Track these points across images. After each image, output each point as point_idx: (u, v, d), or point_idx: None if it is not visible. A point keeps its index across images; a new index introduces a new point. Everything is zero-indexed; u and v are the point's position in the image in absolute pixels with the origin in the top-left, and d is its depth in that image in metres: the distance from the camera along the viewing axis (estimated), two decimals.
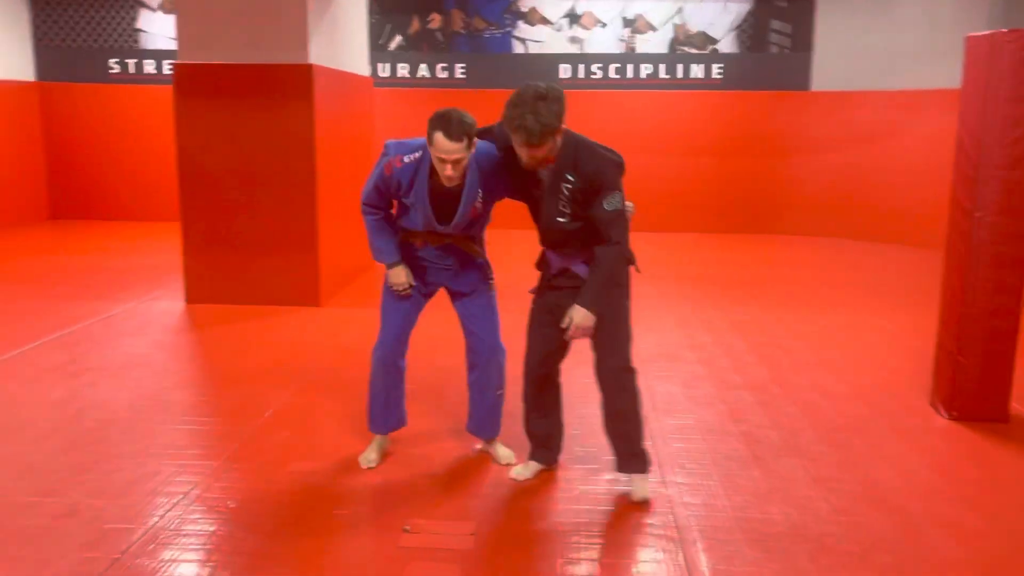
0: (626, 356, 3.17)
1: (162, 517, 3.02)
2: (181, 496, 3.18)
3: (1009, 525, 3.10)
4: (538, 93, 2.78)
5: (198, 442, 3.74)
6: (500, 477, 3.40)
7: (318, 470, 3.44)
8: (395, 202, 3.30)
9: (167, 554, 2.78)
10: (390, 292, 3.37)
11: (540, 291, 3.26)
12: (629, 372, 3.18)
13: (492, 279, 3.43)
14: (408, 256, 3.33)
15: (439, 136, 2.91)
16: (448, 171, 2.97)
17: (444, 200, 3.13)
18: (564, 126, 2.90)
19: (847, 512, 3.14)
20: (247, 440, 3.74)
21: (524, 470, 3.40)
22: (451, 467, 3.50)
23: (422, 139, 3.10)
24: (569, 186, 2.93)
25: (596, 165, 2.90)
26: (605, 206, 2.89)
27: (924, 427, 4.02)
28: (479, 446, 3.64)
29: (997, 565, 2.83)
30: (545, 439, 3.41)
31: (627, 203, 3.05)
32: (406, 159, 3.10)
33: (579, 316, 3.01)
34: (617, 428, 3.24)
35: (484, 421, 3.53)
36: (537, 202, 3.08)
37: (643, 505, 3.17)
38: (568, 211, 2.97)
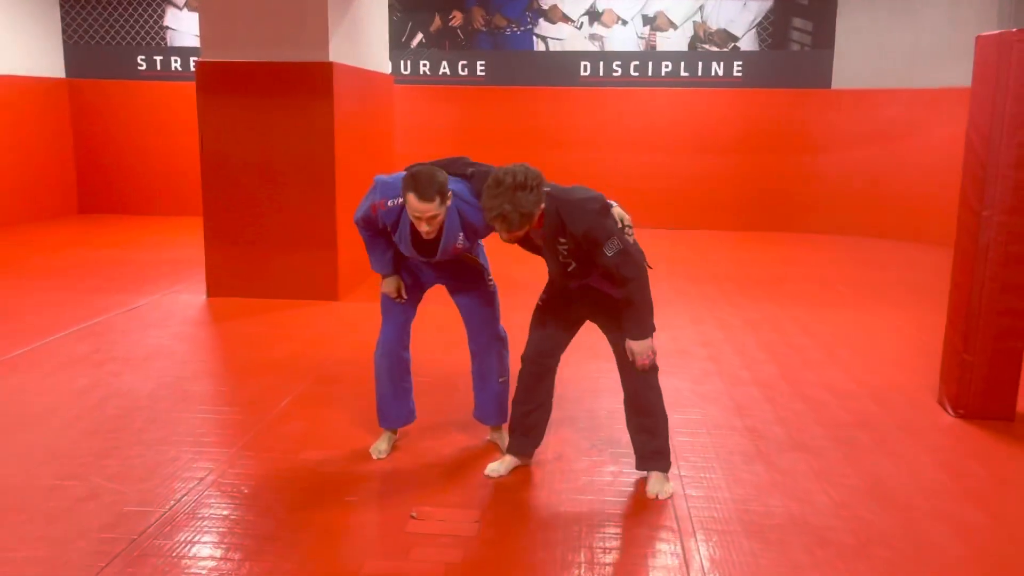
0: None
1: (179, 501, 3.13)
2: (197, 481, 3.30)
3: (1013, 523, 3.11)
4: (517, 183, 2.81)
5: (215, 430, 3.86)
6: None
7: (329, 459, 3.54)
8: None
9: (182, 536, 2.89)
10: None
11: (554, 293, 3.31)
12: (653, 369, 3.23)
13: (491, 280, 3.51)
14: (400, 260, 3.43)
15: (411, 197, 2.97)
16: (423, 227, 3.03)
17: (427, 239, 3.19)
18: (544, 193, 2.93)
19: (848, 507, 3.17)
20: (262, 429, 3.84)
21: (499, 466, 3.41)
22: (458, 458, 3.58)
23: None
24: (564, 248, 3.02)
25: (583, 225, 2.93)
26: (606, 252, 2.94)
27: (931, 425, 4.03)
28: (488, 436, 3.72)
29: (999, 563, 2.85)
30: (529, 429, 3.41)
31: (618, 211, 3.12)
32: (389, 203, 3.16)
33: (637, 346, 3.07)
34: (641, 423, 3.28)
35: (488, 408, 3.62)
36: (540, 251, 3.15)
37: (654, 500, 3.20)
38: (573, 262, 3.06)
